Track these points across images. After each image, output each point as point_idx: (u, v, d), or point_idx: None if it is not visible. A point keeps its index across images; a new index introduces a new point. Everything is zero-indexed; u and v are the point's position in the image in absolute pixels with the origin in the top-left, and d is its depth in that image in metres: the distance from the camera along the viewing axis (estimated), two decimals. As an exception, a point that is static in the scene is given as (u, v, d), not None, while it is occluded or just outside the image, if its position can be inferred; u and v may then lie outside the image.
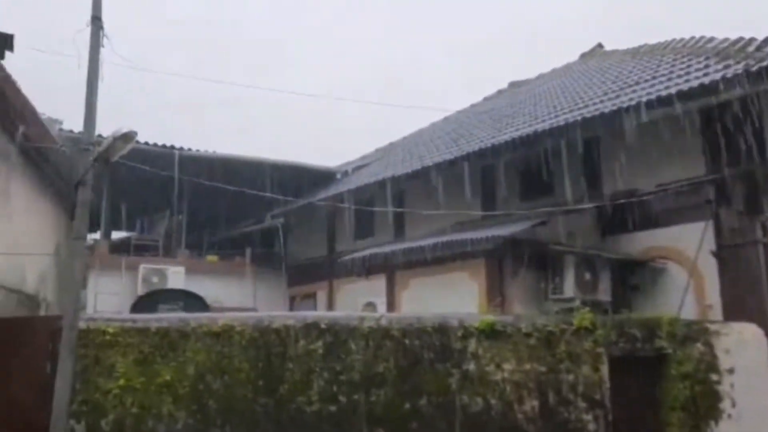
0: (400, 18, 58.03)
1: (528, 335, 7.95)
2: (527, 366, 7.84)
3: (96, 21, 7.10)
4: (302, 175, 18.09)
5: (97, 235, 17.78)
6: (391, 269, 13.14)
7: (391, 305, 12.95)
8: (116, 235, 20.05)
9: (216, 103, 51.31)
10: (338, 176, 19.14)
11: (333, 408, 7.31)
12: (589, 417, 7.93)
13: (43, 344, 6.98)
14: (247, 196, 16.82)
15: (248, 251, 18.07)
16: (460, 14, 55.65)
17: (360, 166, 19.33)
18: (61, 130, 12.68)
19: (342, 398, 7.37)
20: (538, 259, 10.88)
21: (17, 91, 8.61)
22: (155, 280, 15.67)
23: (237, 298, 16.14)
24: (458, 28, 56.98)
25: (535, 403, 7.78)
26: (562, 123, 10.92)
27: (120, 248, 17.50)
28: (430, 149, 15.34)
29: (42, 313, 11.38)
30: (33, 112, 9.10)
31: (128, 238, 18.57)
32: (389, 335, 7.66)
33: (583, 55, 18.95)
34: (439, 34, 58.42)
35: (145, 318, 7.37)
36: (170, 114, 43.67)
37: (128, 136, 6.65)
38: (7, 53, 8.07)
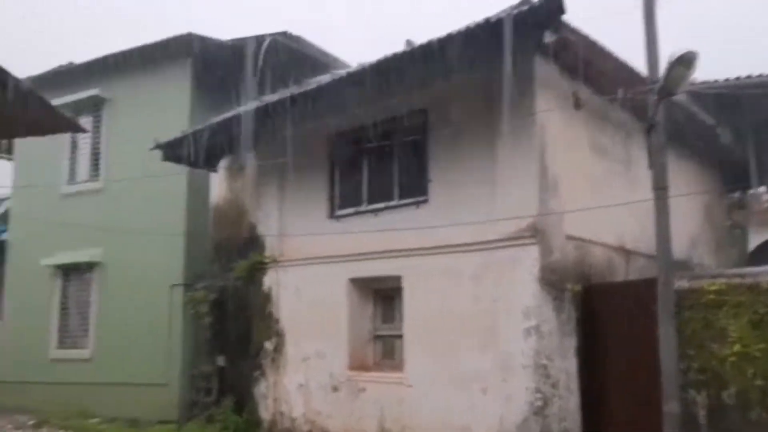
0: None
1: None
2: None
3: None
4: None
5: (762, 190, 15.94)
6: None
7: None
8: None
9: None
10: None
11: None
12: None
13: (651, 307, 6.52)
14: None
15: None
16: None
17: None
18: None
19: None
20: None
21: (606, 54, 8.37)
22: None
23: None
24: None
25: None
26: None
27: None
28: None
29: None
30: (624, 68, 8.65)
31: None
32: None
33: None
34: None
35: (754, 272, 5.99)
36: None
37: (686, 59, 5.60)
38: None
